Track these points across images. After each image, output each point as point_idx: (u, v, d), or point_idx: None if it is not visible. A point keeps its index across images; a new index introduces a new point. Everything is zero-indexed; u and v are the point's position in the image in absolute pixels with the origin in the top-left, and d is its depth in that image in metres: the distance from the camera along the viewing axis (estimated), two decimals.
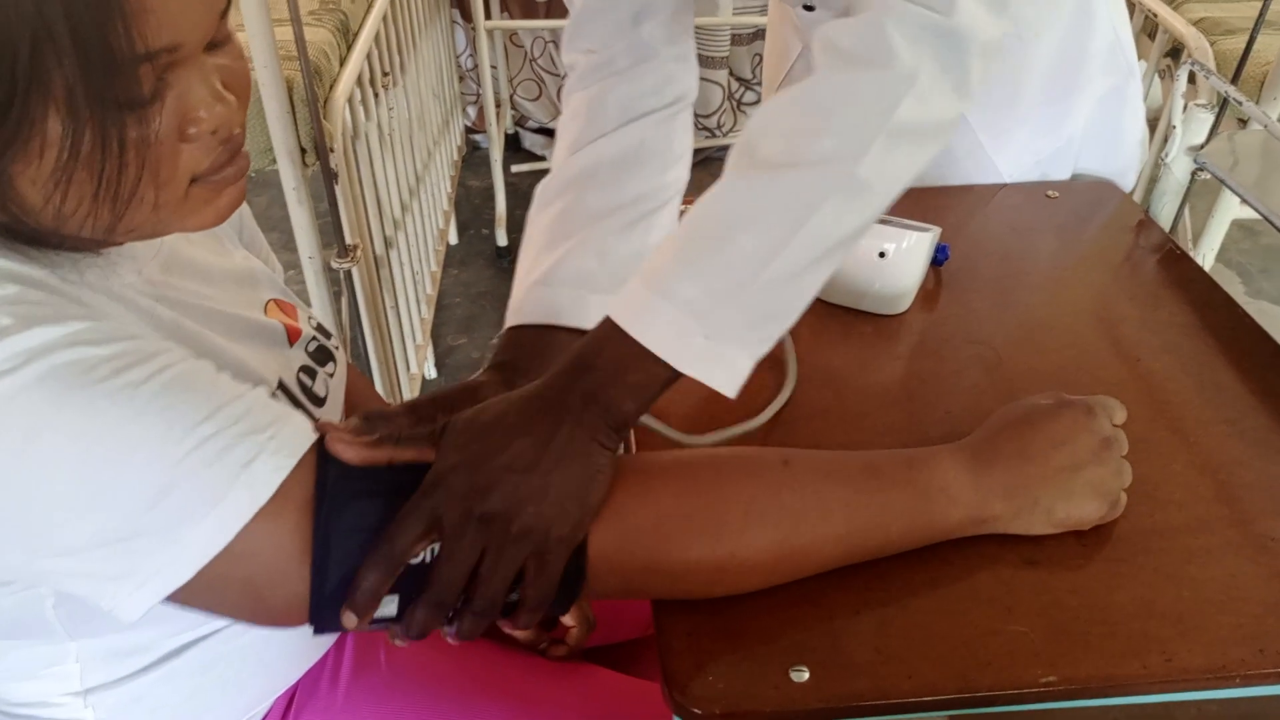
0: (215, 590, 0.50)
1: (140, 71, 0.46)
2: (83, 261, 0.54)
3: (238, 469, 0.48)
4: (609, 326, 0.57)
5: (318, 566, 0.51)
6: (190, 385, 0.49)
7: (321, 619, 0.52)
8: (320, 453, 0.52)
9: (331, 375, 0.72)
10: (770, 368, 0.81)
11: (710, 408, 0.76)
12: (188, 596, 0.50)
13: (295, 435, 0.52)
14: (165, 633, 0.62)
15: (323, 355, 0.72)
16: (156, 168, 0.49)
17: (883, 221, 0.82)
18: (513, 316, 0.77)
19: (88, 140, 0.46)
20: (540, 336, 0.76)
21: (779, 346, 0.75)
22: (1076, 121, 1.06)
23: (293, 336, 0.69)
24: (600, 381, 0.56)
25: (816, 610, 0.60)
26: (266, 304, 0.70)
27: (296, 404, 0.64)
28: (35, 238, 0.51)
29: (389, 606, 0.53)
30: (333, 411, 0.71)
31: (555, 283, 0.76)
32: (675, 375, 0.56)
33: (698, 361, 0.56)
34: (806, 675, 0.56)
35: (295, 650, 0.71)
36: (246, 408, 0.50)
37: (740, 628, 0.59)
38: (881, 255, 0.82)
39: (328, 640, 0.73)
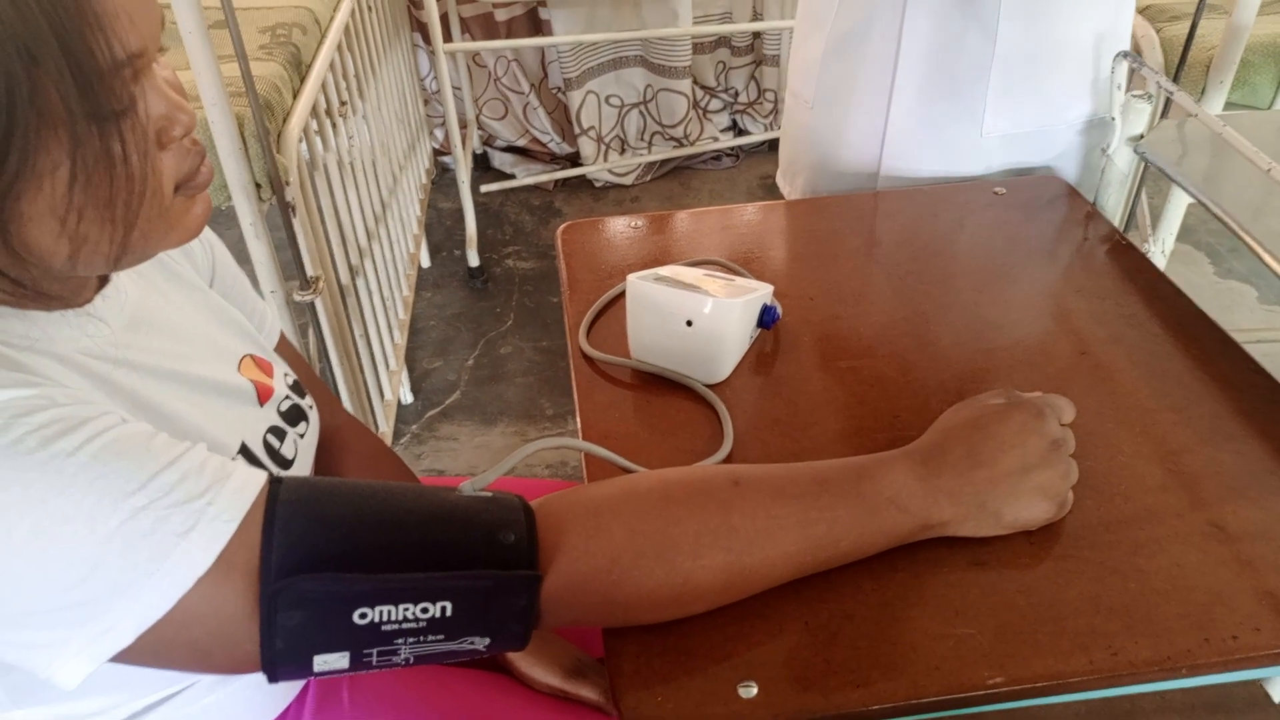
0: (159, 653, 0.49)
1: (120, 79, 0.47)
2: (54, 322, 0.54)
3: (174, 539, 0.47)
4: None
5: (265, 625, 0.49)
6: (123, 453, 0.48)
7: (274, 673, 0.51)
8: (270, 495, 0.51)
9: (302, 436, 0.71)
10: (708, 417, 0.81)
11: (665, 439, 0.76)
12: (131, 658, 0.49)
13: (236, 495, 0.50)
14: (123, 699, 0.61)
15: (295, 415, 0.71)
16: (149, 177, 0.50)
17: (697, 283, 0.78)
18: None
19: (92, 156, 0.46)
20: None
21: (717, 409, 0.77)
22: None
23: (263, 396, 0.68)
24: None
25: (764, 625, 0.60)
26: (241, 360, 0.69)
27: (260, 467, 0.62)
28: (26, 290, 0.51)
29: (340, 661, 0.52)
30: (301, 473, 0.70)
31: None
32: None
33: None
34: (755, 690, 0.56)
35: (260, 705, 0.70)
36: (182, 474, 0.49)
37: (688, 645, 0.59)
38: (689, 324, 0.77)
39: (293, 689, 0.73)
